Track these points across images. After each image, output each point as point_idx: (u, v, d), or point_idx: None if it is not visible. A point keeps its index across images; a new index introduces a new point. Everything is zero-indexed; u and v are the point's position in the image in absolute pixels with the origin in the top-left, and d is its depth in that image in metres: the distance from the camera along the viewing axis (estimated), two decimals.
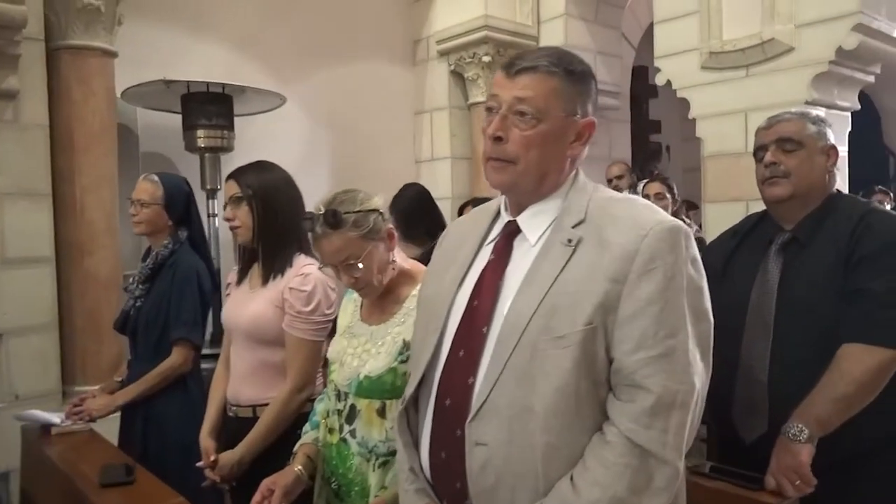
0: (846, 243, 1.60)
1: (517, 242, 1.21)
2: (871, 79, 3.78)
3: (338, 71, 4.77)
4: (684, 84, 3.94)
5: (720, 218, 3.53)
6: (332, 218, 1.51)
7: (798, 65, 3.48)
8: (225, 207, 2.07)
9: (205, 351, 2.55)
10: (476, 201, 4.39)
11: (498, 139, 1.15)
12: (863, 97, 4.20)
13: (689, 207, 5.39)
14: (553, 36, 4.73)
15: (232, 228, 2.04)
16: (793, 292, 1.64)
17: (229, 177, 2.07)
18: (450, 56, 4.80)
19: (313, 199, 1.60)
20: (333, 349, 1.67)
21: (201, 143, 3.52)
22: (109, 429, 2.50)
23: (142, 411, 2.33)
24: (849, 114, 3.83)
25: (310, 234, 1.57)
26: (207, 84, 3.48)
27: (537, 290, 1.10)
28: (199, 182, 3.63)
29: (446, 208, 4.90)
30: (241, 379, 1.98)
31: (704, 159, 3.89)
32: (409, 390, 1.27)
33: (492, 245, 1.25)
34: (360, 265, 1.51)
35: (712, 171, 3.86)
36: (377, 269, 1.55)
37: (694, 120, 3.90)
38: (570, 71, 1.15)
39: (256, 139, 4.12)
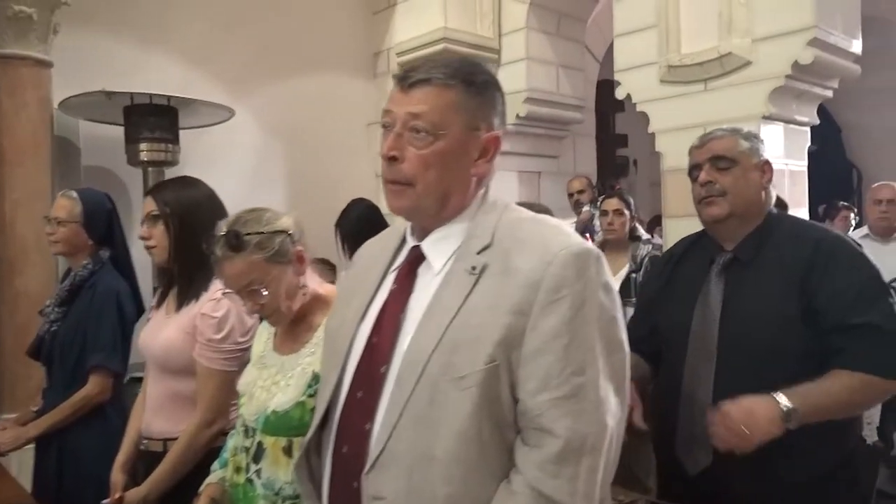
0: (801, 268, 1.52)
1: (421, 270, 1.10)
2: (829, 94, 3.75)
3: (295, 83, 4.66)
4: (644, 98, 3.88)
5: (681, 233, 3.39)
6: (234, 240, 1.39)
7: (755, 79, 3.43)
8: (142, 225, 1.94)
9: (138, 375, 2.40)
10: None
11: (393, 159, 1.05)
12: (825, 112, 4.18)
13: (657, 223, 5.34)
14: (514, 49, 4.66)
15: (147, 248, 1.91)
16: (737, 314, 1.56)
17: (147, 193, 1.95)
18: None
19: None
20: (243, 380, 1.55)
21: (144, 156, 3.39)
22: (27, 461, 2.34)
23: (56, 444, 2.17)
24: (808, 129, 3.80)
25: (212, 258, 1.45)
26: (150, 96, 3.35)
27: (437, 325, 1.00)
28: (143, 197, 3.48)
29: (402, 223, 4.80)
30: (153, 410, 1.85)
31: (664, 174, 3.82)
32: (309, 434, 1.15)
33: (396, 273, 1.14)
34: (265, 291, 1.39)
35: (672, 187, 3.79)
36: (285, 294, 1.43)
37: None
38: (469, 82, 1.05)
39: (207, 152, 3.99)
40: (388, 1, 4.88)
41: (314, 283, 1.53)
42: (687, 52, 3.64)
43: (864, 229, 3.61)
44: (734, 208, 1.60)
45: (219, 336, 1.74)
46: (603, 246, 3.11)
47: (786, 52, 3.32)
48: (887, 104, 6.27)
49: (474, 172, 1.08)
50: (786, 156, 3.61)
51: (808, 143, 3.81)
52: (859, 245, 1.55)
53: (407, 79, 1.05)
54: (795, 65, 3.30)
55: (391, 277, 1.14)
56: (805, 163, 3.78)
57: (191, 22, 4.12)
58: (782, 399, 1.40)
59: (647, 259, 2.89)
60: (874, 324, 1.43)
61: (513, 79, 4.69)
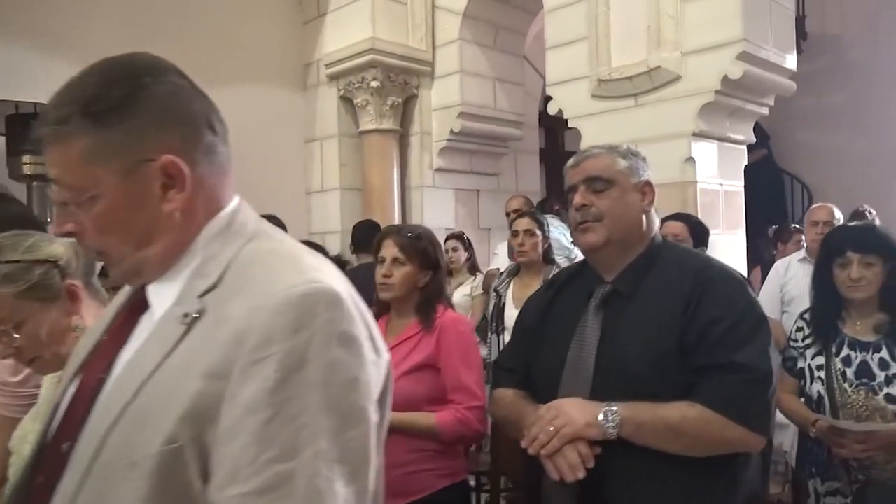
0: (681, 301, 1.32)
1: (144, 317, 0.86)
2: (765, 111, 3.62)
3: (218, 94, 4.39)
4: (575, 113, 3.71)
5: None
6: None
7: (685, 94, 3.28)
8: None
9: None
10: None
11: (72, 234, 0.81)
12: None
13: None
14: (448, 62, 4.47)
15: None
16: (614, 351, 1.35)
17: None
18: (339, 81, 4.49)
19: None
20: (16, 434, 1.29)
21: (27, 170, 3.12)
22: None
23: None
24: (743, 147, 3.65)
25: None
26: (36, 105, 3.08)
27: (125, 390, 0.76)
28: None
29: (335, 242, 4.56)
30: None
31: None
32: None
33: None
34: (16, 333, 1.14)
35: None
36: (48, 338, 1.18)
37: None
38: (91, 114, 0.77)
39: None
40: (318, 10, 4.67)
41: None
42: (617, 66, 3.48)
43: (802, 252, 3.45)
44: (612, 234, 1.39)
45: (16, 379, 1.48)
46: (517, 269, 2.90)
47: (715, 67, 3.17)
48: (841, 123, 6.20)
49: (170, 208, 0.79)
50: (720, 175, 3.45)
51: (745, 162, 3.66)
52: (745, 278, 1.36)
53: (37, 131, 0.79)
54: (725, 79, 3.14)
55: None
56: (741, 182, 3.63)
57: (100, 29, 3.86)
58: (610, 410, 1.27)
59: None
60: (737, 363, 1.27)
61: (446, 93, 4.50)
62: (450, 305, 2.00)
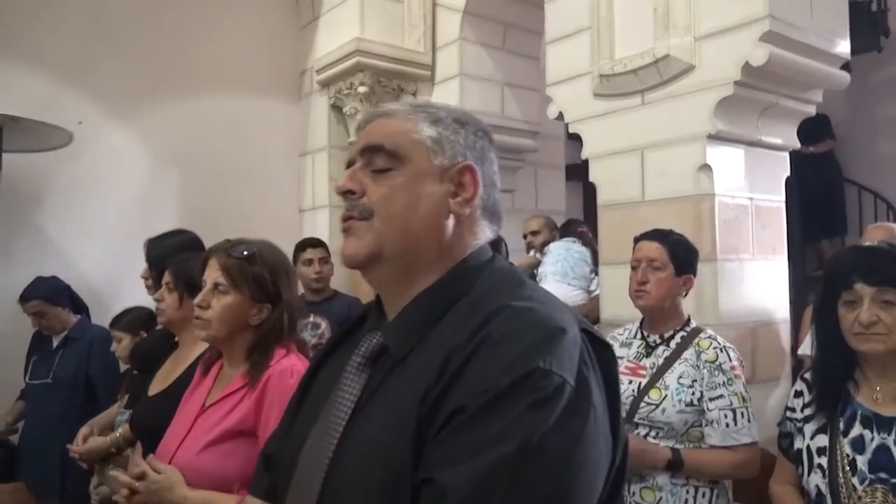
0: (434, 376, 0.77)
1: None
2: (811, 109, 2.93)
3: (208, 106, 4.12)
4: (576, 116, 3.15)
5: (620, 286, 2.63)
6: None
7: (699, 88, 2.66)
8: None
9: None
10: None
11: None
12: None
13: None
14: (449, 64, 4.00)
15: None
16: (357, 441, 0.81)
17: None
18: (330, 88, 4.10)
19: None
20: None
21: None
22: None
23: None
24: (785, 154, 2.97)
25: None
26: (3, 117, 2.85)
27: None
28: None
29: None
30: None
31: (600, 210, 3.06)
32: None
33: None
34: None
35: (607, 226, 3.02)
36: None
37: None
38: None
39: (53, 179, 3.47)
40: (312, 13, 4.32)
41: None
42: (620, 58, 2.90)
43: None
44: (381, 243, 0.85)
45: None
46: None
47: (734, 52, 2.55)
48: None
49: None
50: (749, 187, 2.79)
51: (786, 173, 2.98)
52: (561, 329, 0.77)
53: None
54: (747, 67, 2.52)
55: None
56: (781, 198, 2.95)
57: (65, 33, 3.64)
58: None
59: None
60: (436, 483, 0.69)
61: (447, 99, 4.02)
62: (304, 349, 1.50)
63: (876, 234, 2.71)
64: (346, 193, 0.88)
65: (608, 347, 0.84)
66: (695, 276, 1.92)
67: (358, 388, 0.85)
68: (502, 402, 0.70)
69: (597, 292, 3.35)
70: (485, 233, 0.92)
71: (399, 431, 0.75)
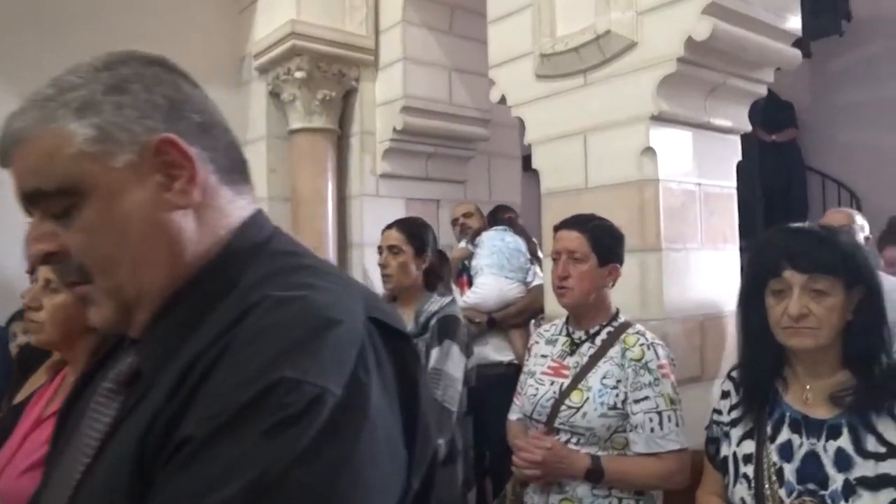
0: (167, 392, 0.58)
1: None
2: (762, 89, 2.78)
3: None
4: (518, 100, 2.97)
5: None
6: None
7: (642, 66, 2.50)
8: None
9: None
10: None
11: None
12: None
13: None
14: (392, 49, 3.81)
15: None
16: (89, 483, 0.62)
17: None
18: (268, 74, 3.89)
19: None
20: None
21: None
22: None
23: None
24: (735, 138, 2.82)
25: None
26: None
27: None
28: None
29: None
30: None
31: (543, 199, 2.88)
32: None
33: None
34: None
35: (550, 215, 2.84)
36: None
37: None
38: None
39: None
40: None
41: None
42: (562, 35, 2.73)
43: None
44: (122, 300, 0.66)
45: None
46: (392, 300, 2.16)
47: (676, 27, 2.38)
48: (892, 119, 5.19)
49: None
50: (698, 173, 2.63)
51: (737, 157, 2.83)
52: (330, 322, 0.56)
53: None
54: (690, 42, 2.35)
55: None
56: (732, 183, 2.79)
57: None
58: None
59: (435, 321, 1.92)
60: None
61: (390, 85, 3.83)
62: None
63: (834, 218, 2.57)
64: (47, 258, 0.66)
65: (406, 340, 0.65)
66: (621, 264, 1.74)
67: (106, 419, 0.66)
68: (234, 427, 0.51)
69: (535, 283, 3.18)
70: (235, 202, 0.71)
71: (115, 472, 0.56)
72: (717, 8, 2.30)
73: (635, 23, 2.50)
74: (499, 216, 3.49)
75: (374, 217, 3.88)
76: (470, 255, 3.28)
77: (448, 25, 3.92)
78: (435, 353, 1.87)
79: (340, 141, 3.90)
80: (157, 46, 3.48)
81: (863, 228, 2.49)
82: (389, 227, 2.08)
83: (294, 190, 3.76)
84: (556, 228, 1.76)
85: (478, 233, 3.40)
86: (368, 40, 3.82)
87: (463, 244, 3.44)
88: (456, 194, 4.22)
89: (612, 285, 1.72)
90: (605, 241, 1.67)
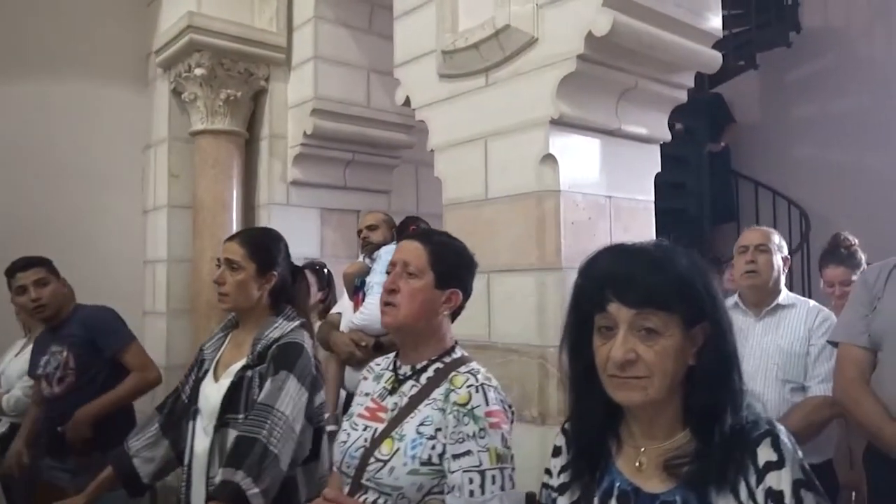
0: None
1: None
2: (682, 94, 2.55)
3: (43, 97, 3.59)
4: (421, 101, 2.71)
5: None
6: None
7: (542, 64, 2.25)
8: None
9: None
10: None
11: None
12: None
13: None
14: (304, 47, 3.54)
15: None
16: None
17: None
18: (170, 72, 3.59)
19: None
20: None
21: None
22: None
23: None
24: (654, 147, 2.58)
25: None
26: None
27: None
28: None
29: (162, 275, 3.62)
30: None
31: (444, 210, 2.61)
32: None
33: None
34: None
35: (451, 229, 2.56)
36: None
37: None
38: None
39: None
40: None
41: None
42: (463, 31, 2.48)
43: (732, 297, 2.36)
44: None
45: None
46: (234, 324, 1.86)
47: (577, 21, 2.14)
48: (847, 135, 5.02)
49: None
50: (608, 184, 2.38)
51: (656, 168, 2.59)
52: None
53: None
54: (590, 38, 2.11)
55: None
56: (650, 197, 2.55)
57: None
58: None
59: (274, 349, 1.63)
60: None
61: (301, 86, 3.56)
62: None
63: (750, 237, 2.33)
64: None
65: None
66: (465, 293, 1.44)
67: None
68: None
69: None
70: None
71: None
72: (618, 0, 2.06)
73: (535, 16, 2.26)
74: (405, 228, 3.20)
75: (285, 228, 3.50)
76: (367, 272, 2.98)
77: (367, 23, 3.67)
78: (267, 385, 1.58)
79: (249, 145, 3.61)
80: (62, 42, 3.11)
81: (780, 248, 2.25)
82: (231, 238, 1.80)
83: (195, 196, 3.46)
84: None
85: (378, 247, 3.09)
86: (279, 37, 3.54)
87: (361, 259, 3.15)
88: (379, 205, 3.93)
89: (450, 314, 1.42)
90: (448, 260, 1.39)
